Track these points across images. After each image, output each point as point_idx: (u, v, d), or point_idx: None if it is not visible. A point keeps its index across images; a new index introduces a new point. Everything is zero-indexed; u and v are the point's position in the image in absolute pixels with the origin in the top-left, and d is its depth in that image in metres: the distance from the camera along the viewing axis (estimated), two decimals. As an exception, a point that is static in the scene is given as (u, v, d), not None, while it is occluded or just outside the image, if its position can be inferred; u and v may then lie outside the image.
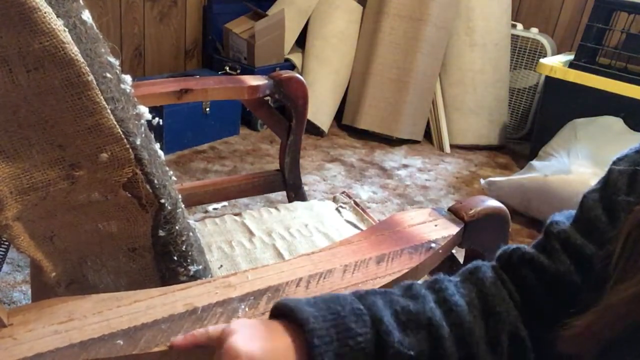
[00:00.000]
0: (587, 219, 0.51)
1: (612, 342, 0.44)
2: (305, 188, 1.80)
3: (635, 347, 0.44)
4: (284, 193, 1.30)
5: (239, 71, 2.62)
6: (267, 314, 0.53)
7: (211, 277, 0.66)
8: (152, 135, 0.65)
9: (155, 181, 0.57)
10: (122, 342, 0.48)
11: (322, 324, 0.45)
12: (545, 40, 2.76)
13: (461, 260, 0.76)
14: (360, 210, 1.11)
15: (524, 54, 2.85)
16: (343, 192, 1.17)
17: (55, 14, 0.46)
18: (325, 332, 0.45)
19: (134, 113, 0.59)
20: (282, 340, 0.45)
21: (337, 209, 1.11)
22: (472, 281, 0.54)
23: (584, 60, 2.33)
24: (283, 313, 0.48)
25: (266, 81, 1.14)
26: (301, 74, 2.11)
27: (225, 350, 0.43)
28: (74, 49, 0.47)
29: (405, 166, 2.53)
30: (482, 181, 2.21)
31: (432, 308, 0.50)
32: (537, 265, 0.52)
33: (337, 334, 0.45)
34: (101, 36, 0.59)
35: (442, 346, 0.48)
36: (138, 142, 0.55)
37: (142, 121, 0.62)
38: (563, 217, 0.54)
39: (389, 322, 0.47)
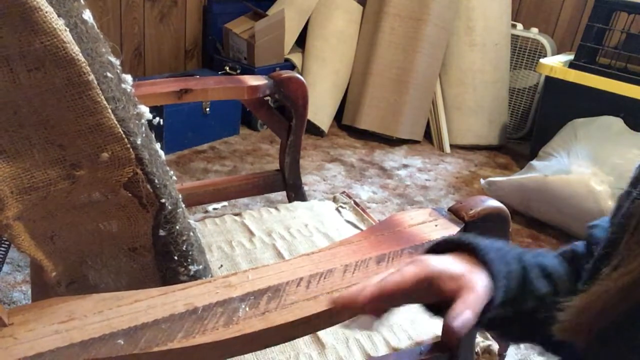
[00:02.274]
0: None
1: (604, 329, 0.45)
2: (305, 188, 1.80)
3: (627, 334, 0.45)
4: (284, 193, 1.30)
5: (239, 71, 2.62)
6: (268, 314, 0.53)
7: (211, 276, 0.66)
8: (153, 135, 0.65)
9: (156, 181, 0.57)
10: (122, 342, 0.48)
11: (488, 249, 0.50)
12: (545, 40, 2.76)
13: (461, 260, 0.76)
14: (360, 210, 1.11)
15: (524, 54, 2.85)
16: (343, 192, 1.17)
17: (56, 14, 0.46)
18: (493, 255, 0.50)
19: (135, 113, 0.59)
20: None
21: (337, 209, 1.11)
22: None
23: (584, 60, 2.33)
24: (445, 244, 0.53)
25: (266, 81, 1.14)
26: (301, 74, 2.11)
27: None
28: (74, 49, 0.47)
29: (405, 166, 2.53)
30: (482, 181, 2.21)
31: (557, 263, 0.57)
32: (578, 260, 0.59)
33: (500, 259, 0.51)
34: (102, 36, 0.59)
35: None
36: (139, 141, 0.55)
37: (143, 121, 0.62)
38: (606, 219, 0.59)
39: (529, 259, 0.54)
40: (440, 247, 0.53)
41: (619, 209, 0.51)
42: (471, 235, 0.53)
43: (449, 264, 0.48)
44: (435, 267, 0.47)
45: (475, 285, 0.46)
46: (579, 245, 0.60)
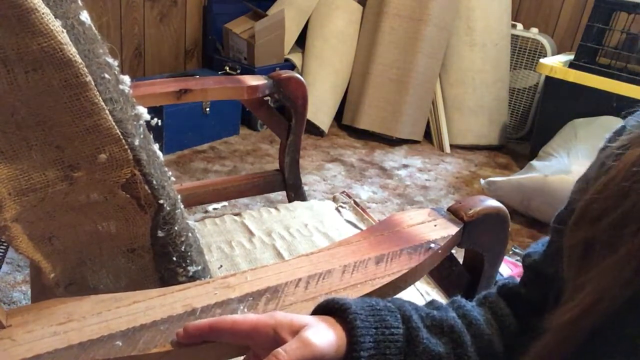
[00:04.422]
0: (551, 241, 0.54)
1: None
2: (305, 188, 1.80)
3: None
4: (284, 193, 1.30)
5: (239, 71, 2.62)
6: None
7: (210, 277, 0.66)
8: (151, 136, 0.65)
9: (154, 182, 0.57)
10: (120, 343, 0.48)
11: (362, 311, 0.47)
12: (545, 40, 2.76)
13: (461, 260, 0.76)
14: (360, 210, 1.11)
15: (524, 54, 2.85)
16: (343, 192, 1.17)
17: (53, 15, 0.46)
18: (365, 317, 0.47)
19: (133, 114, 0.59)
20: (338, 332, 0.47)
21: (337, 209, 1.11)
22: (486, 305, 0.57)
23: (584, 60, 2.33)
24: (323, 306, 0.50)
25: (266, 81, 1.14)
26: (301, 74, 2.11)
27: (304, 344, 0.44)
28: (72, 50, 0.47)
29: (405, 166, 2.53)
30: (482, 181, 2.21)
31: (454, 317, 0.52)
32: (517, 297, 0.57)
33: (375, 322, 0.47)
34: (99, 37, 0.59)
35: (466, 352, 0.50)
36: (137, 142, 0.55)
37: (141, 122, 0.62)
38: (539, 245, 0.57)
39: (417, 321, 0.49)
40: (319, 310, 0.51)
41: (551, 244, 0.51)
42: (345, 298, 0.49)
43: (296, 317, 0.46)
44: (280, 317, 0.46)
45: (307, 336, 0.44)
46: (508, 283, 0.58)
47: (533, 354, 0.45)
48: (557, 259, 0.50)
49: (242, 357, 0.50)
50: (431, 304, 0.55)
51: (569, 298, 0.44)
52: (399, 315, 0.49)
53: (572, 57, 2.40)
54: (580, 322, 0.42)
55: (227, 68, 2.66)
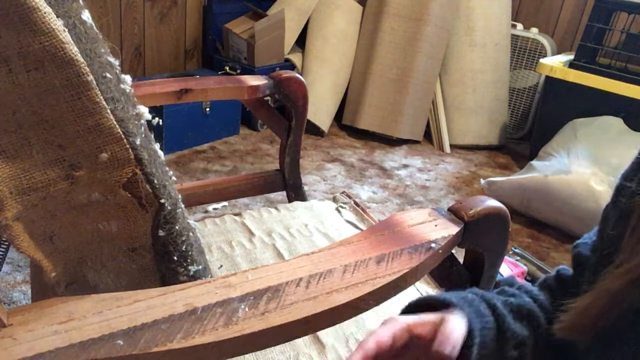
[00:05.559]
0: (600, 230, 0.55)
1: (607, 327, 0.45)
2: (305, 188, 1.80)
3: (630, 333, 0.44)
4: (284, 193, 1.30)
5: (239, 71, 2.62)
6: (267, 314, 0.53)
7: (211, 277, 0.66)
8: (152, 135, 0.65)
9: (155, 181, 0.57)
10: (121, 342, 0.48)
11: (462, 303, 0.51)
12: (545, 40, 2.76)
13: (461, 260, 0.76)
14: (360, 210, 1.11)
15: (524, 54, 2.85)
16: (343, 192, 1.17)
17: (55, 14, 0.46)
18: (466, 310, 0.50)
19: (134, 113, 0.59)
20: None
21: (337, 209, 1.11)
22: (547, 289, 0.60)
23: (584, 60, 2.33)
24: (413, 304, 0.53)
25: (266, 81, 1.14)
26: (301, 74, 2.11)
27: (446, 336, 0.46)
28: (73, 49, 0.47)
29: (405, 166, 2.53)
30: (482, 181, 2.21)
31: (530, 302, 0.56)
32: (565, 283, 0.59)
33: (472, 313, 0.50)
34: (101, 36, 0.59)
35: (541, 333, 0.54)
36: (138, 142, 0.55)
37: (142, 121, 0.62)
38: (591, 234, 0.58)
39: (501, 308, 0.53)
40: (411, 308, 0.54)
41: (617, 204, 0.50)
42: (441, 293, 0.53)
43: (420, 316, 0.49)
44: (407, 318, 0.48)
45: (449, 330, 0.46)
46: (566, 268, 0.60)
47: (575, 313, 0.47)
48: (610, 246, 0.51)
49: (247, 355, 0.50)
50: (503, 291, 0.58)
51: (624, 262, 0.45)
52: (485, 305, 0.52)
53: (572, 57, 2.40)
54: (631, 289, 0.43)
55: (227, 68, 2.66)
